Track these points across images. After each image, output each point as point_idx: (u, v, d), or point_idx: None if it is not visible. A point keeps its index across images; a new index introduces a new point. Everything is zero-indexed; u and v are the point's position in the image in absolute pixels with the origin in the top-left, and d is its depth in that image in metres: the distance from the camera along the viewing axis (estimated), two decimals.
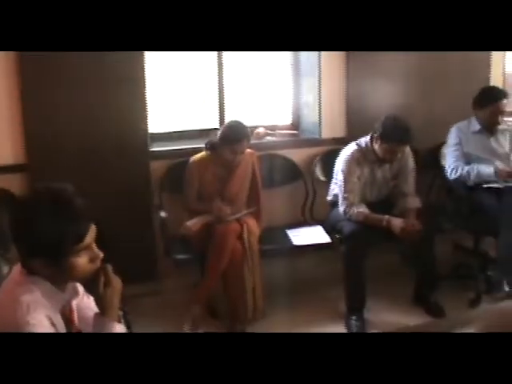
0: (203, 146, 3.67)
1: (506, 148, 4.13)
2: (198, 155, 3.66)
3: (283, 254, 3.78)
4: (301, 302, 3.76)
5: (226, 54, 4.15)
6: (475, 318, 0.77)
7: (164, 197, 3.87)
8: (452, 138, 4.12)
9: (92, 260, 1.63)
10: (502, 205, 3.69)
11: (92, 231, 1.61)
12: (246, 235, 3.51)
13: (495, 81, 4.76)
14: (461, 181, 3.96)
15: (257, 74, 4.41)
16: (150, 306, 3.63)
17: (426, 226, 3.52)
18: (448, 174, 4.03)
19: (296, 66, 4.45)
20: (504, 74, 5.07)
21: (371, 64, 4.26)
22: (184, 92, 4.25)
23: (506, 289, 3.60)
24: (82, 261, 1.60)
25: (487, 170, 3.90)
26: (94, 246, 1.64)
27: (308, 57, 4.33)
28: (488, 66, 4.79)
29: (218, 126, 4.08)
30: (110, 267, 1.71)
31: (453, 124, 4.15)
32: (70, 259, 1.58)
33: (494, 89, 4.18)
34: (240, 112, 4.24)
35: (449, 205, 4.07)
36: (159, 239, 3.78)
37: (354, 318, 3.55)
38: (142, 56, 3.69)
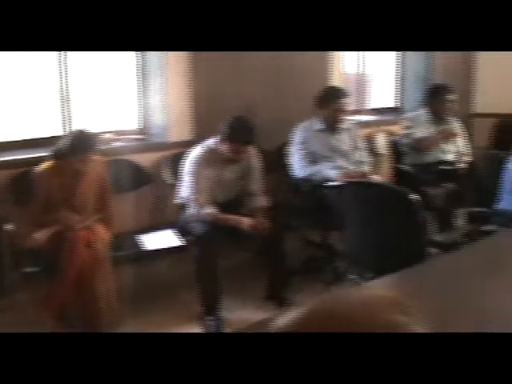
0: (48, 154, 3.52)
1: (348, 146, 4.34)
2: (44, 165, 3.50)
3: (136, 259, 3.73)
4: (157, 305, 3.72)
5: (69, 56, 3.97)
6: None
7: (9, 208, 3.67)
8: (297, 137, 4.25)
9: None
10: (344, 200, 3.87)
11: None
12: (95, 242, 3.42)
13: (335, 81, 4.97)
14: (307, 179, 4.11)
15: (102, 76, 4.29)
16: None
17: (274, 223, 3.62)
18: (295, 172, 4.16)
19: (142, 67, 4.36)
20: (343, 74, 5.32)
21: (219, 64, 4.27)
22: (25, 97, 4.03)
23: (351, 276, 3.78)
24: None
25: (329, 170, 4.06)
26: None
27: (154, 57, 4.26)
28: (328, 65, 4.98)
29: (62, 133, 3.92)
30: None
31: (298, 123, 4.29)
32: None
33: (335, 88, 4.37)
34: (85, 117, 4.11)
35: (296, 202, 4.21)
36: (6, 253, 3.58)
37: (210, 318, 3.57)
38: None
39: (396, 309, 0.75)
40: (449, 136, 4.77)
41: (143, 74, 4.36)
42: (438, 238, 3.29)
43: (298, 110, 4.49)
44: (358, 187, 3.24)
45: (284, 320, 0.75)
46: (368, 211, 2.96)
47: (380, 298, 0.78)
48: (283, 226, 3.85)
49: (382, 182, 4.15)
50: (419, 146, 4.73)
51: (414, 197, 2.68)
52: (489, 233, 3.03)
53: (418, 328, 0.74)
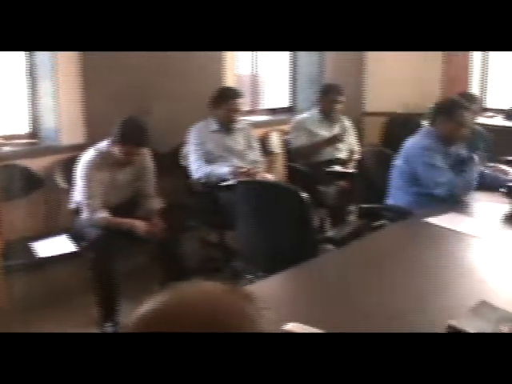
0: None
1: (242, 146, 4.40)
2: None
3: (30, 266, 3.62)
4: (53, 312, 3.63)
5: None
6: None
7: None
8: (192, 138, 4.26)
9: None
10: (238, 200, 3.92)
11: None
12: None
13: (229, 81, 5.02)
14: (203, 180, 4.13)
15: None
16: None
17: (170, 225, 3.62)
18: (191, 173, 4.18)
19: (31, 69, 4.21)
20: (237, 74, 5.38)
21: (110, 64, 4.20)
22: None
23: (248, 276, 3.83)
24: None
25: (223, 170, 4.11)
26: None
27: (43, 59, 4.13)
28: (222, 66, 5.02)
29: None
30: None
31: (193, 124, 4.30)
32: None
33: (229, 89, 4.42)
34: None
35: (192, 203, 4.22)
36: None
37: (108, 324, 3.52)
38: None
39: (240, 299, 0.79)
40: (331, 142, 4.91)
41: (33, 75, 4.22)
42: (330, 234, 3.39)
43: (192, 111, 4.50)
44: (251, 186, 3.29)
45: (136, 315, 0.77)
46: (261, 210, 3.01)
47: (223, 290, 0.81)
48: (179, 227, 3.85)
49: (274, 181, 4.24)
50: (300, 152, 4.87)
51: (304, 195, 2.76)
52: (379, 228, 3.16)
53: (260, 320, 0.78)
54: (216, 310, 0.76)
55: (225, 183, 4.02)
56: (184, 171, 4.28)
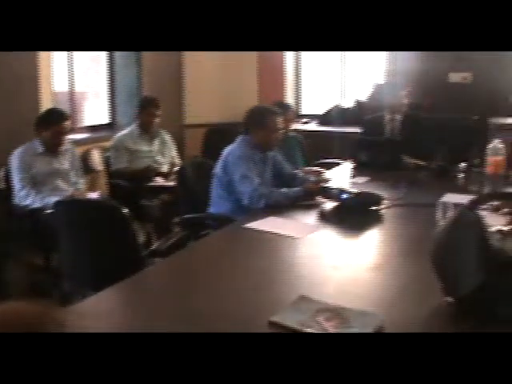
0: None
1: (67, 167, 4.33)
2: None
3: None
4: None
5: None
6: None
7: None
8: (16, 162, 4.11)
9: None
10: (59, 221, 3.85)
11: None
12: None
13: (46, 100, 4.90)
14: (27, 203, 4.01)
15: None
16: None
17: None
18: (15, 197, 4.04)
19: None
20: (54, 92, 5.27)
21: None
22: None
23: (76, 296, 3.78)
24: None
25: (50, 195, 4.01)
26: None
27: None
28: (37, 84, 4.89)
29: None
30: None
31: (7, 145, 4.16)
32: None
33: (56, 111, 4.32)
34: None
35: (16, 227, 4.07)
36: None
37: None
38: None
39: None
40: (145, 173, 4.98)
41: None
42: (155, 246, 3.44)
43: (7, 132, 4.36)
44: (72, 206, 3.26)
45: None
46: (84, 229, 3.00)
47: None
48: (2, 253, 3.72)
49: (95, 199, 4.21)
50: (120, 174, 4.94)
51: (125, 210, 2.80)
52: (203, 236, 3.25)
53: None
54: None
55: (50, 205, 3.95)
56: (7, 195, 4.12)
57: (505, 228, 1.94)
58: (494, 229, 1.90)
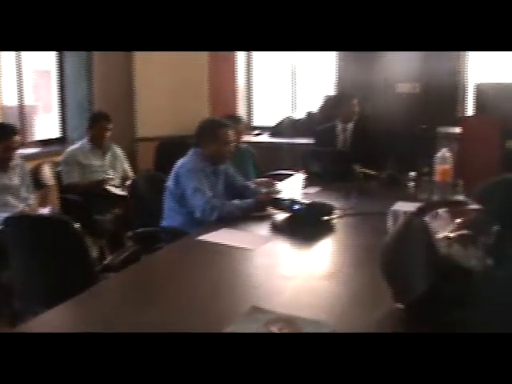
0: None
1: (17, 182, 4.27)
2: None
3: None
4: None
5: None
6: None
7: None
8: None
9: None
10: (8, 237, 3.79)
11: None
12: None
13: None
14: None
15: None
16: None
17: None
18: None
19: None
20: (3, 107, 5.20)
21: None
22: None
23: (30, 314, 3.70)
24: None
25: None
26: None
27: None
28: None
29: None
30: None
31: None
32: None
33: (6, 126, 4.26)
34: None
35: None
36: None
37: None
38: None
39: None
40: (100, 185, 4.94)
41: None
42: (107, 261, 3.42)
43: None
44: (22, 222, 3.21)
45: None
46: (35, 245, 2.96)
47: None
48: None
49: (45, 214, 4.16)
50: (71, 188, 4.88)
51: (76, 225, 2.77)
52: (156, 250, 3.24)
53: None
54: None
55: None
56: None
57: (451, 234, 1.98)
58: (440, 235, 1.95)
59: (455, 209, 2.23)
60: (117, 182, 5.04)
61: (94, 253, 3.63)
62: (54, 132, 6.29)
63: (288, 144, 6.40)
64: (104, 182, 4.93)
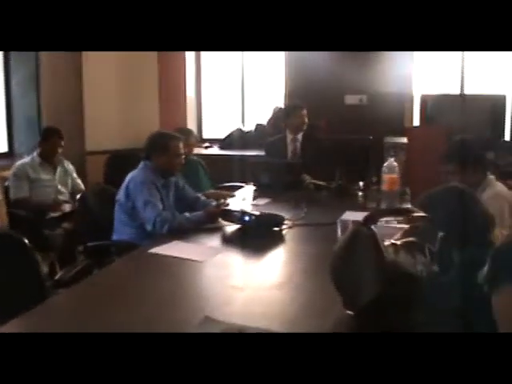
0: None
1: None
2: None
3: None
4: None
5: None
6: None
7: None
8: None
9: None
10: None
11: None
12: None
13: None
14: None
15: None
16: None
17: None
18: None
19: None
20: None
21: None
22: None
23: None
24: None
25: None
26: None
27: None
28: None
29: None
30: None
31: None
32: None
33: None
34: None
35: None
36: None
37: None
38: None
39: None
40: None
41: None
42: (58, 277, 3.38)
43: None
44: None
45: None
46: None
47: None
48: None
49: None
50: (20, 203, 4.82)
51: (25, 240, 2.73)
52: (108, 264, 3.21)
53: None
54: None
55: None
56: None
57: (398, 241, 2.04)
58: (387, 242, 2.00)
59: (402, 217, 2.30)
60: (65, 196, 4.99)
61: (44, 268, 3.58)
62: (1, 146, 6.17)
63: (238, 156, 6.43)
64: (58, 206, 4.88)
